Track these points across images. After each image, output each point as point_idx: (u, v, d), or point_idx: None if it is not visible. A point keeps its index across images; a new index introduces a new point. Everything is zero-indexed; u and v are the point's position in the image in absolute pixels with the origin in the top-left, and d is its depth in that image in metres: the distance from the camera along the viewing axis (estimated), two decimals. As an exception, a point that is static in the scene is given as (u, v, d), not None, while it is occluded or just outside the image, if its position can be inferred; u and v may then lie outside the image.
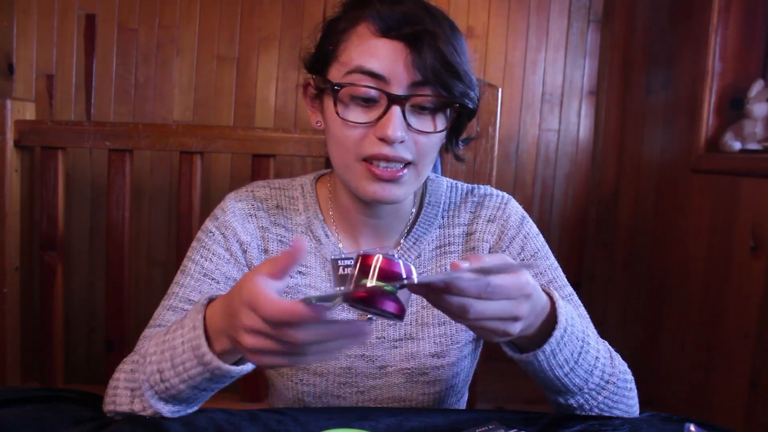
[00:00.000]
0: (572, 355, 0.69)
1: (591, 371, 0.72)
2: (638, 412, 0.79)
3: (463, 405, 0.99)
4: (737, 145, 1.61)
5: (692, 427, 0.64)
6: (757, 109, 1.58)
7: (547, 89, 2.33)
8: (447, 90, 0.73)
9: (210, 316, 0.64)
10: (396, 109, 0.72)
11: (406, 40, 0.72)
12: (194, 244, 0.87)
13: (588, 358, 0.71)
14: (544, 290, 0.68)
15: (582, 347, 0.71)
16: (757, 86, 1.60)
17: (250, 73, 2.21)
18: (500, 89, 1.58)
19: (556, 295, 0.68)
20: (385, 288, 0.55)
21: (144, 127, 1.59)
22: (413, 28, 0.71)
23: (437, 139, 0.78)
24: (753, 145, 1.58)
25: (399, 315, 0.56)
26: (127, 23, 2.18)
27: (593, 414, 0.75)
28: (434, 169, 1.13)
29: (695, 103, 1.72)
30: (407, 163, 0.76)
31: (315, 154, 1.62)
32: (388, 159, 0.74)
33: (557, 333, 0.66)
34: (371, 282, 0.55)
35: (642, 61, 2.15)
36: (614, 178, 2.28)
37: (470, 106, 0.77)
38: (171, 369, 0.66)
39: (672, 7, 1.98)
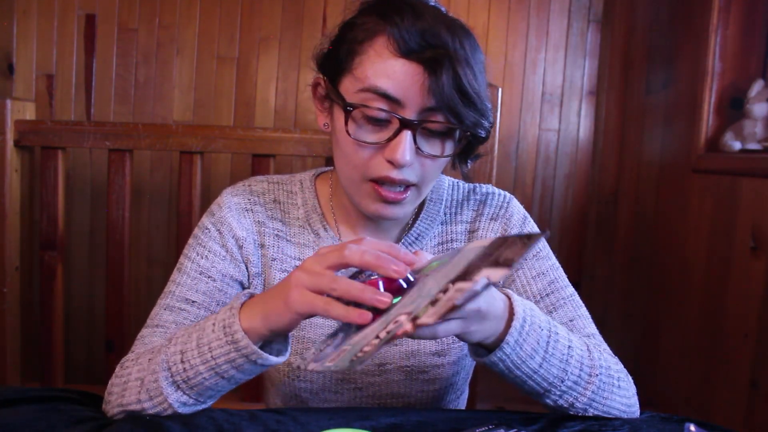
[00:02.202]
0: (539, 344, 0.69)
1: (566, 361, 0.72)
2: (638, 412, 0.79)
3: (463, 402, 0.99)
4: (737, 145, 1.61)
5: (692, 427, 0.64)
6: (757, 109, 1.58)
7: (547, 89, 2.33)
8: (459, 119, 0.72)
9: (248, 303, 0.67)
10: (407, 134, 0.72)
11: (425, 64, 0.70)
12: (191, 241, 0.87)
13: (559, 347, 0.71)
14: (501, 291, 0.69)
15: (550, 336, 0.71)
16: (757, 86, 1.60)
17: (250, 73, 2.21)
18: (500, 89, 1.58)
19: (510, 292, 0.70)
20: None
21: (144, 127, 1.59)
22: (434, 52, 0.69)
23: (443, 162, 0.77)
24: (753, 145, 1.58)
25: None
26: (127, 23, 2.17)
27: (590, 414, 0.75)
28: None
29: (695, 103, 1.72)
30: (410, 185, 0.76)
31: (315, 154, 1.62)
32: (394, 182, 0.74)
33: (516, 323, 0.67)
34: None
35: (642, 61, 2.15)
36: (614, 178, 2.28)
37: (482, 134, 0.76)
38: (195, 349, 0.67)
39: (672, 7, 1.98)
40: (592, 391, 0.73)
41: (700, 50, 1.71)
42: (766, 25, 1.66)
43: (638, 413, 0.79)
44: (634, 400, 0.78)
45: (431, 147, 0.75)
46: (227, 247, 0.85)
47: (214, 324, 0.67)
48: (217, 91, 2.21)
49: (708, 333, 1.61)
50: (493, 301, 0.65)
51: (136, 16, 2.17)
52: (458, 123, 0.72)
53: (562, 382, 0.72)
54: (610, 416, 0.75)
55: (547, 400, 0.73)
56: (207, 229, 0.86)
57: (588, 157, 2.36)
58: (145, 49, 2.19)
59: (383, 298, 0.56)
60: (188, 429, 0.66)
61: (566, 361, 0.72)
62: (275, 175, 0.94)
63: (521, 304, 0.69)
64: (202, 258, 0.84)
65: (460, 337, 0.65)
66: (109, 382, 0.74)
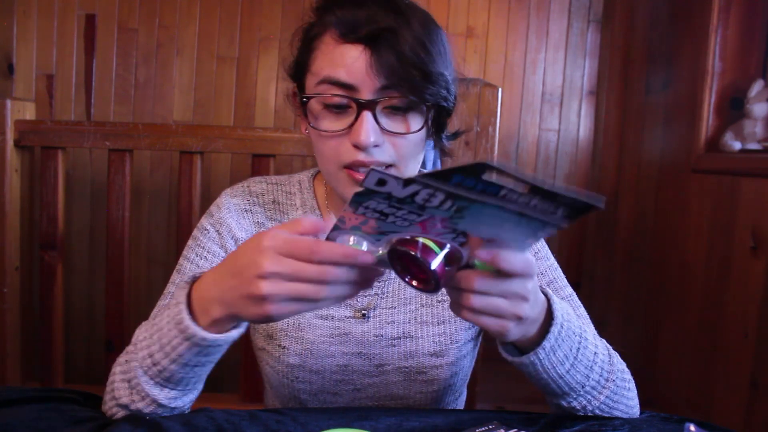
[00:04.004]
0: (571, 350, 0.69)
1: (591, 367, 0.72)
2: (638, 412, 0.79)
3: (461, 403, 0.99)
4: (737, 145, 1.61)
5: (692, 427, 0.64)
6: (757, 109, 1.58)
7: (547, 89, 2.33)
8: (414, 92, 0.71)
9: (199, 290, 0.64)
10: (367, 115, 0.72)
11: (366, 42, 0.71)
12: (190, 242, 0.86)
13: (587, 353, 0.71)
14: (540, 289, 0.68)
15: (580, 342, 0.71)
16: (757, 86, 1.60)
17: (250, 73, 2.21)
18: (500, 89, 1.58)
19: (549, 292, 0.69)
20: (432, 247, 0.54)
21: (144, 127, 1.59)
22: (372, 29, 0.70)
23: (417, 138, 0.76)
24: (753, 145, 1.58)
25: (438, 279, 0.55)
26: (127, 23, 2.18)
27: (594, 414, 0.75)
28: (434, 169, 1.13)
29: (695, 103, 1.72)
30: (388, 166, 0.76)
31: (315, 154, 1.62)
32: (365, 165, 0.73)
33: (554, 329, 0.66)
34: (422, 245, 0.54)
35: (642, 61, 2.15)
36: (614, 178, 2.28)
37: (444, 104, 0.76)
38: (159, 351, 0.65)
39: (672, 7, 1.98)
40: (606, 396, 0.74)
41: (700, 50, 1.71)
42: (766, 25, 1.66)
43: (638, 413, 0.79)
44: (636, 401, 0.78)
45: (395, 125, 0.74)
46: (226, 248, 0.85)
47: (168, 322, 0.65)
48: (217, 91, 2.21)
49: (708, 333, 1.61)
50: (536, 307, 0.62)
51: (136, 16, 2.17)
52: (412, 94, 0.72)
53: (583, 387, 0.72)
54: (612, 416, 0.75)
55: (562, 402, 0.73)
56: (206, 230, 0.86)
57: (588, 157, 2.36)
58: (145, 49, 2.19)
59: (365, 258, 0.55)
60: (188, 429, 0.66)
61: (590, 368, 0.72)
62: (274, 175, 0.94)
63: (560, 309, 0.68)
64: (201, 259, 0.84)
65: (493, 334, 0.63)
66: (108, 381, 0.75)
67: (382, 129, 0.73)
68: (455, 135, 0.85)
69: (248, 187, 0.90)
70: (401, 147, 0.75)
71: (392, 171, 0.76)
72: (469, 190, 0.47)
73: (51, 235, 1.63)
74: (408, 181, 0.48)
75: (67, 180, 1.71)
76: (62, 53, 2.16)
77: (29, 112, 1.66)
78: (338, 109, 0.74)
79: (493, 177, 0.46)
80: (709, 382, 1.59)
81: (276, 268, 0.55)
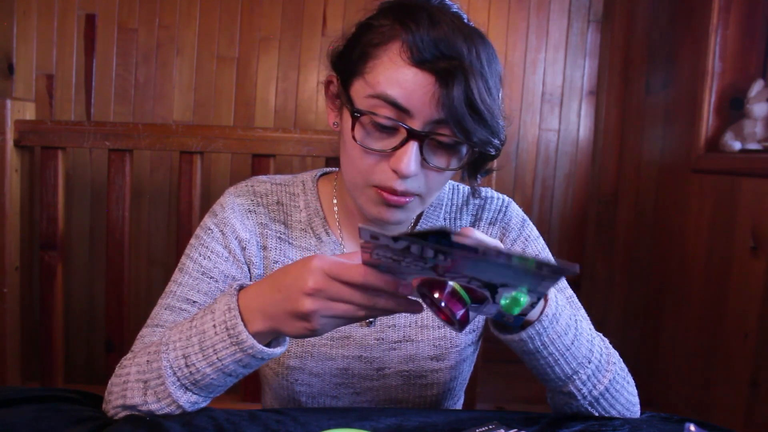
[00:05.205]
0: (571, 319, 0.71)
1: (591, 341, 0.73)
2: (639, 410, 0.79)
3: (458, 408, 0.99)
4: (737, 145, 1.61)
5: (692, 427, 0.64)
6: (757, 109, 1.58)
7: (547, 89, 2.33)
8: (467, 134, 0.70)
9: (244, 300, 0.65)
10: (413, 145, 0.71)
11: (438, 75, 0.69)
12: (193, 241, 0.86)
13: (584, 325, 0.74)
14: None
15: (575, 314, 0.73)
16: (757, 86, 1.60)
17: (250, 73, 2.21)
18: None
19: None
20: (462, 294, 0.56)
21: (144, 127, 1.59)
22: (448, 63, 0.68)
23: (449, 174, 0.76)
24: (753, 145, 1.58)
25: (461, 323, 0.57)
26: (127, 23, 2.17)
27: (600, 404, 0.75)
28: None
29: (695, 103, 1.72)
30: (414, 195, 0.75)
31: (315, 154, 1.62)
32: (396, 191, 0.73)
33: (551, 302, 0.68)
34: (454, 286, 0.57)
35: (642, 61, 2.15)
36: (614, 178, 2.28)
37: (491, 152, 0.75)
38: (199, 353, 0.66)
39: (672, 7, 1.98)
40: (609, 380, 0.74)
41: (700, 50, 1.71)
42: (766, 25, 1.66)
43: (639, 411, 0.79)
44: (637, 400, 0.78)
45: (437, 159, 0.74)
46: (230, 248, 0.84)
47: (215, 326, 0.66)
48: (217, 91, 2.21)
49: (708, 333, 1.61)
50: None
51: (136, 16, 2.17)
52: (466, 139, 0.71)
53: (589, 362, 0.72)
54: (614, 410, 0.75)
55: (571, 387, 0.73)
56: (210, 229, 0.85)
57: (588, 157, 2.36)
58: (145, 49, 2.19)
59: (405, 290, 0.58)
60: (188, 429, 0.66)
61: (591, 341, 0.73)
62: (277, 175, 0.93)
63: (550, 291, 0.70)
64: (204, 258, 0.83)
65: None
66: (109, 382, 0.74)
67: (424, 161, 0.72)
68: (486, 173, 0.83)
69: (252, 187, 0.89)
70: (433, 180, 0.75)
71: (416, 198, 0.76)
72: (450, 247, 0.49)
73: (51, 235, 1.63)
74: (396, 238, 0.49)
75: (67, 180, 1.71)
76: (62, 53, 2.16)
77: (29, 112, 1.66)
78: (384, 129, 0.72)
79: (463, 240, 0.48)
80: (709, 382, 1.59)
81: (321, 287, 0.58)
